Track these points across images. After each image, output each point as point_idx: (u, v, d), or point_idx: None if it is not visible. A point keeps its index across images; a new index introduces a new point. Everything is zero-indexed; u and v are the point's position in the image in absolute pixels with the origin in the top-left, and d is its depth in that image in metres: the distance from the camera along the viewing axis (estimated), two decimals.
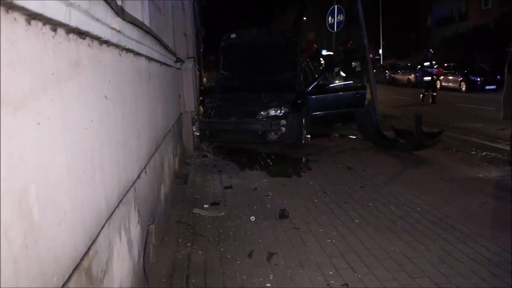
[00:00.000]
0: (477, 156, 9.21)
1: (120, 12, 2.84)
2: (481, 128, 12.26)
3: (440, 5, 46.77)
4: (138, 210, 3.62)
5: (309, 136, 11.27)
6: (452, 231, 5.15)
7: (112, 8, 2.62)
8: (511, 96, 8.13)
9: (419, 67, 22.90)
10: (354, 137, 11.90)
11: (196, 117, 9.93)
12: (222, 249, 4.80)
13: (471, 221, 5.46)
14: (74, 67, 2.17)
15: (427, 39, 47.30)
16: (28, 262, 1.57)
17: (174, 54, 7.38)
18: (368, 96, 12.86)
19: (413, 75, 34.80)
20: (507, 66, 8.21)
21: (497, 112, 9.75)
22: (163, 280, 4.14)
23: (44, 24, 1.78)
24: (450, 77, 28.83)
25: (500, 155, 8.96)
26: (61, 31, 1.97)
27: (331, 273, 4.20)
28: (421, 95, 21.47)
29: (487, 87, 25.35)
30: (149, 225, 4.14)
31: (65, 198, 1.97)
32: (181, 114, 9.09)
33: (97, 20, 2.39)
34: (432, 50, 22.69)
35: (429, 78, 21.31)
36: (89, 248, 2.23)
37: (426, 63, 21.56)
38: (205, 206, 6.26)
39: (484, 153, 9.34)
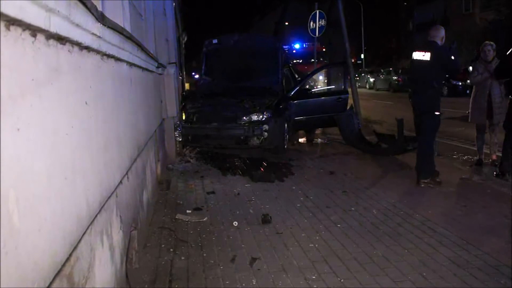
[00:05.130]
0: (458, 160, 9.30)
1: (101, 18, 2.84)
2: (462, 132, 12.36)
3: (422, 10, 47.15)
4: (120, 216, 3.60)
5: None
6: (434, 235, 5.20)
7: (92, 13, 2.61)
8: (478, 99, 8.32)
9: None
10: (336, 141, 11.96)
11: (178, 122, 9.91)
12: (204, 255, 4.79)
13: (452, 224, 5.52)
14: (54, 73, 2.16)
15: (409, 44, 47.73)
16: (8, 268, 1.56)
17: (155, 59, 7.37)
18: (350, 100, 12.92)
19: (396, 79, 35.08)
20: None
21: None
22: (146, 286, 4.12)
23: (24, 29, 1.77)
24: None
25: None
26: (41, 37, 1.96)
27: (313, 277, 4.21)
28: None
29: (468, 91, 25.50)
30: (131, 231, 4.12)
31: (46, 204, 1.96)
32: (163, 119, 9.07)
33: (77, 25, 2.39)
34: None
35: None
36: (70, 254, 2.21)
37: None
38: (187, 211, 6.25)
39: (466, 157, 9.43)
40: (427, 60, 7.23)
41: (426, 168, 7.35)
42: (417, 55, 7.40)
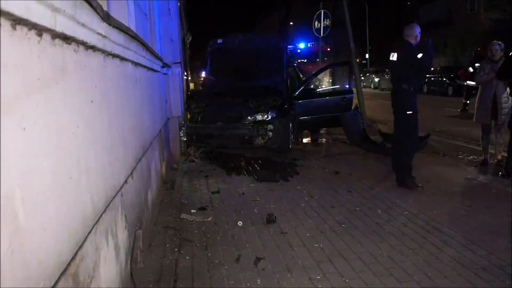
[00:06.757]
0: (463, 160, 9.28)
1: (106, 17, 2.84)
2: (467, 132, 12.32)
3: (426, 10, 47.04)
4: (125, 215, 3.61)
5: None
6: (439, 235, 5.18)
7: (98, 13, 2.61)
8: (484, 99, 8.31)
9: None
10: (341, 141, 11.95)
11: (183, 122, 9.91)
12: (209, 254, 4.79)
13: (457, 224, 5.50)
14: (59, 72, 2.16)
15: None
16: (14, 267, 1.57)
17: (160, 59, 7.37)
18: (355, 100, 12.90)
19: None
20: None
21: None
22: (151, 285, 4.12)
23: (30, 29, 1.77)
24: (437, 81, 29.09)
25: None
26: (46, 36, 1.96)
27: (318, 277, 4.20)
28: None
29: (474, 91, 25.39)
30: (136, 230, 4.13)
31: (51, 203, 1.96)
32: (168, 119, 9.07)
33: (83, 25, 2.39)
34: None
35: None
36: (75, 253, 2.22)
37: None
38: (192, 211, 6.25)
39: (471, 157, 9.41)
40: (394, 61, 7.26)
41: (406, 169, 7.31)
42: (391, 56, 7.42)
